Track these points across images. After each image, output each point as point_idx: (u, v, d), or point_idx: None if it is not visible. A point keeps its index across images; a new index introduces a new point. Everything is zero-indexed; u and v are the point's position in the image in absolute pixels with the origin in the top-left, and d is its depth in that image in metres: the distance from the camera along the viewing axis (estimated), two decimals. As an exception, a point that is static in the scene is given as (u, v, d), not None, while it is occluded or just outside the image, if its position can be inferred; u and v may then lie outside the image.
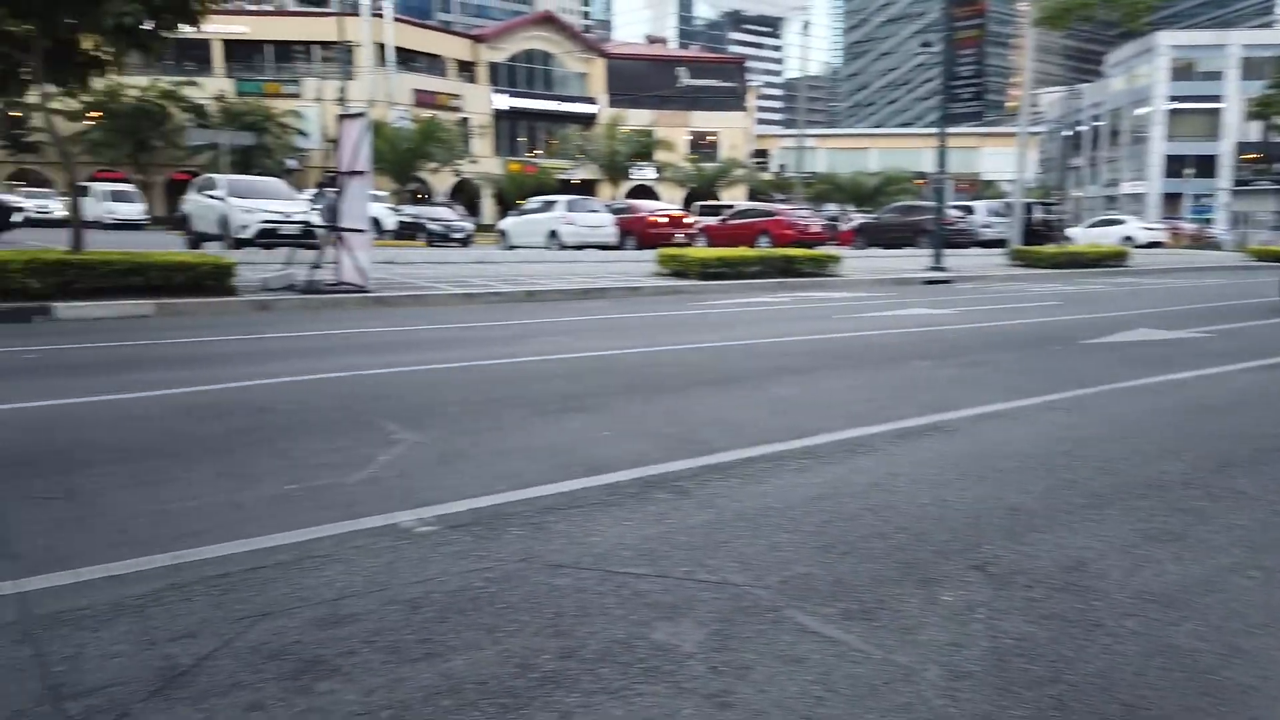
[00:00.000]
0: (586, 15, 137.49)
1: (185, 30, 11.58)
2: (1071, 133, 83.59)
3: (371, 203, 14.53)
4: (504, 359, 7.75)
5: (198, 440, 4.75)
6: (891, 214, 34.23)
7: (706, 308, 12.64)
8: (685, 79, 66.83)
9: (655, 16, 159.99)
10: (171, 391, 5.98)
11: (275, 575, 3.00)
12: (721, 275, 16.12)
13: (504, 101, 61.12)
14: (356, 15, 51.39)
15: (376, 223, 24.37)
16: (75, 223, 12.14)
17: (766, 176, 65.94)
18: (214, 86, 50.51)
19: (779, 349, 8.64)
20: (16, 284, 9.74)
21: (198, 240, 21.37)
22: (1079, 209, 70.98)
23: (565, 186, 49.26)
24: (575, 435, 4.98)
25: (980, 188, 65.22)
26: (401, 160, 44.71)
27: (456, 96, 58.38)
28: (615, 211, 28.77)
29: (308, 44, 54.55)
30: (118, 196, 37.82)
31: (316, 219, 13.83)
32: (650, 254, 19.35)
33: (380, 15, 53.74)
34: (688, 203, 46.58)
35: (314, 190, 23.44)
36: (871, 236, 32.77)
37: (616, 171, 55.58)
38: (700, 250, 19.62)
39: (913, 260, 22.02)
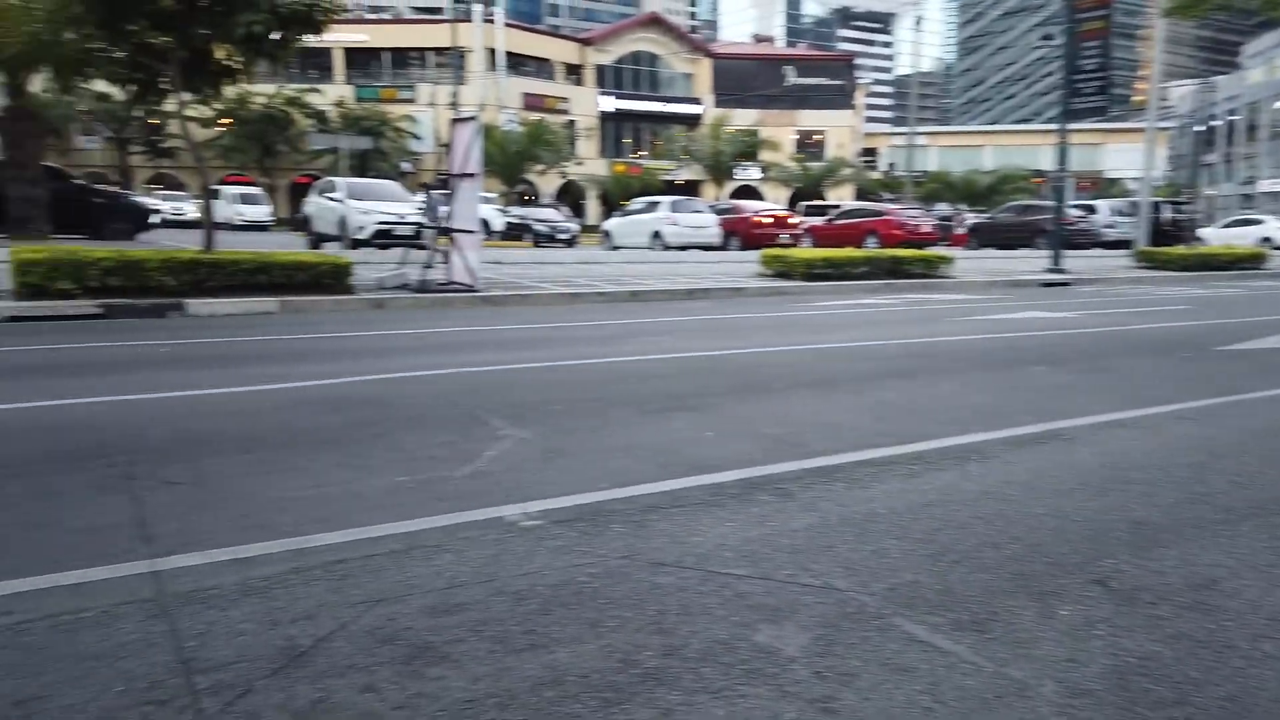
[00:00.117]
0: (693, 16, 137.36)
1: (309, 39, 12.10)
2: (1204, 128, 78.99)
3: (481, 204, 14.88)
4: (608, 358, 7.83)
5: (317, 431, 4.96)
6: (1007, 214, 33.09)
7: (811, 309, 12.47)
8: (792, 78, 66.12)
9: (762, 15, 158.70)
10: (294, 385, 6.26)
11: (388, 563, 3.10)
12: (826, 276, 15.88)
13: (609, 103, 61.70)
14: (469, 21, 52.73)
15: (485, 224, 24.95)
16: (207, 224, 12.83)
17: (875, 176, 64.63)
18: (334, 93, 52.65)
19: (885, 352, 8.46)
20: (154, 281, 10.36)
21: (318, 241, 22.28)
22: (1212, 208, 67.03)
23: (669, 187, 49.38)
24: (678, 435, 4.99)
25: (1103, 186, 62.40)
26: (510, 163, 45.65)
27: (564, 99, 59.25)
28: (719, 212, 28.68)
29: (422, 51, 56.28)
30: (246, 199, 39.82)
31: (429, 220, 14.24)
32: (754, 255, 19.22)
33: (491, 21, 55.01)
34: (793, 203, 46.08)
35: (443, 192, 24.17)
36: (986, 237, 31.74)
37: (721, 172, 55.41)
38: (805, 251, 19.38)
39: (1029, 262, 21.23)
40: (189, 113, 12.62)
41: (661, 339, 9.09)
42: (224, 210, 35.08)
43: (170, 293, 10.40)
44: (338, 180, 23.29)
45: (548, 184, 54.45)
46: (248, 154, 49.71)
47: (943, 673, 2.39)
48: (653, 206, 27.76)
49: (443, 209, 13.72)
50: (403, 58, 56.97)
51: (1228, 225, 40.11)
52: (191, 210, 36.65)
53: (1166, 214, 28.60)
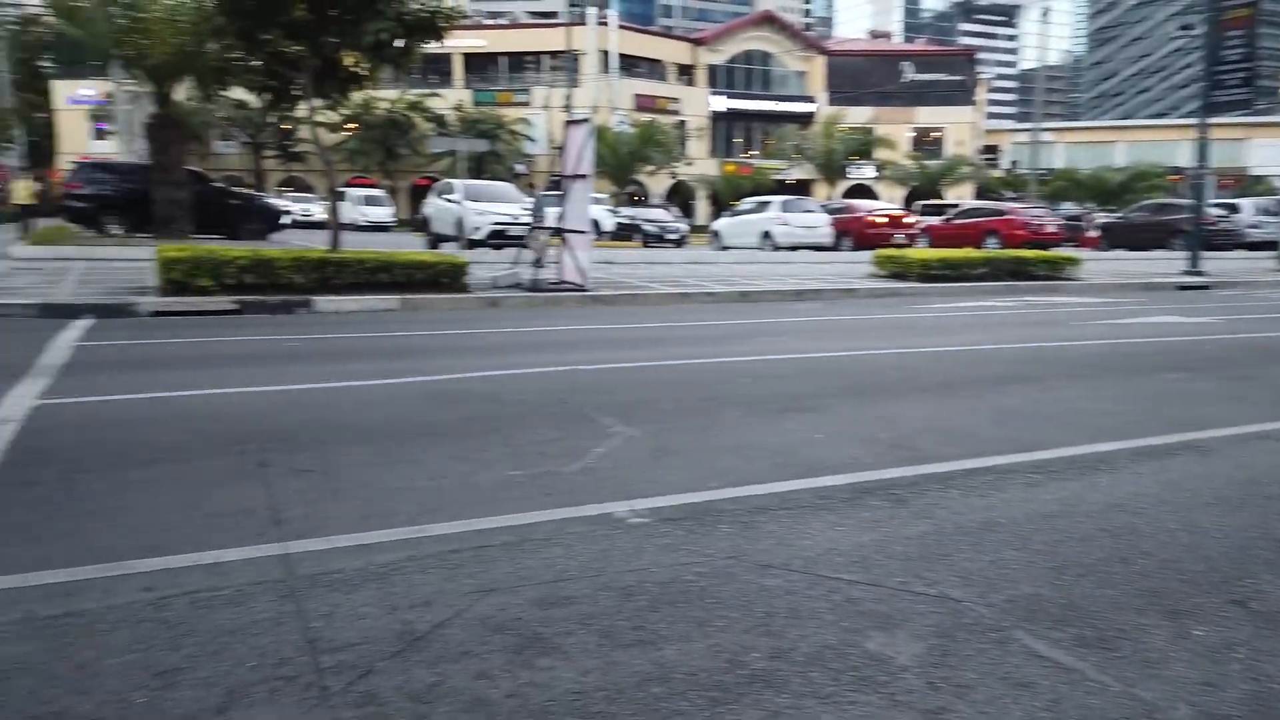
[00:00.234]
0: (807, 13, 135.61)
1: (431, 46, 12.51)
2: (1362, 120, 73.18)
3: (592, 205, 15.07)
4: (717, 358, 7.81)
5: (434, 425, 5.12)
6: (1141, 213, 31.43)
7: (926, 311, 12.15)
8: (910, 74, 64.48)
9: (879, 11, 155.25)
10: (413, 380, 6.48)
11: (500, 554, 3.18)
12: (944, 277, 15.43)
13: (721, 103, 61.49)
14: (583, 25, 53.44)
15: (596, 224, 25.25)
16: (333, 224, 13.41)
17: (996, 174, 62.39)
18: (453, 97, 54.20)
19: (1005, 355, 8.16)
20: (284, 279, 10.89)
21: (436, 241, 22.98)
22: (1370, 206, 61.95)
23: (780, 187, 48.87)
24: (788, 436, 4.94)
25: (1247, 184, 58.50)
26: (621, 163, 46.04)
27: (675, 100, 59.37)
28: (831, 211, 28.23)
29: (538, 54, 57.36)
30: (370, 200, 41.42)
31: (549, 220, 14.52)
32: (867, 255, 18.84)
33: (605, 24, 55.62)
34: (909, 202, 44.93)
35: (548, 193, 24.63)
36: (1117, 237, 30.22)
37: (833, 171, 54.49)
38: (921, 251, 18.87)
39: (1165, 264, 20.12)
40: (318, 118, 13.21)
41: (772, 339, 9.01)
42: (349, 212, 36.56)
43: (299, 290, 10.91)
44: (455, 182, 23.97)
45: (658, 184, 54.65)
46: (371, 157, 51.69)
47: (1065, 690, 2.29)
48: (763, 206, 27.53)
49: (548, 210, 13.96)
50: (519, 61, 58.20)
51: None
52: (319, 211, 38.33)
53: (1318, 213, 26.63)
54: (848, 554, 3.20)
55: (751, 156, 61.74)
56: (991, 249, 21.02)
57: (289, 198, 41.76)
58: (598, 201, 31.40)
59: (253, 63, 12.34)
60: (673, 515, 3.60)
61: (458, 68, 57.00)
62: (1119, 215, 35.13)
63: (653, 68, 59.85)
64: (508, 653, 2.47)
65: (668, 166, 50.03)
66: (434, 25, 11.94)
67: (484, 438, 4.82)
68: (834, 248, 25.93)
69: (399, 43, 11.78)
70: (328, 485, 3.94)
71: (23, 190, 25.99)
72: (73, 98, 49.48)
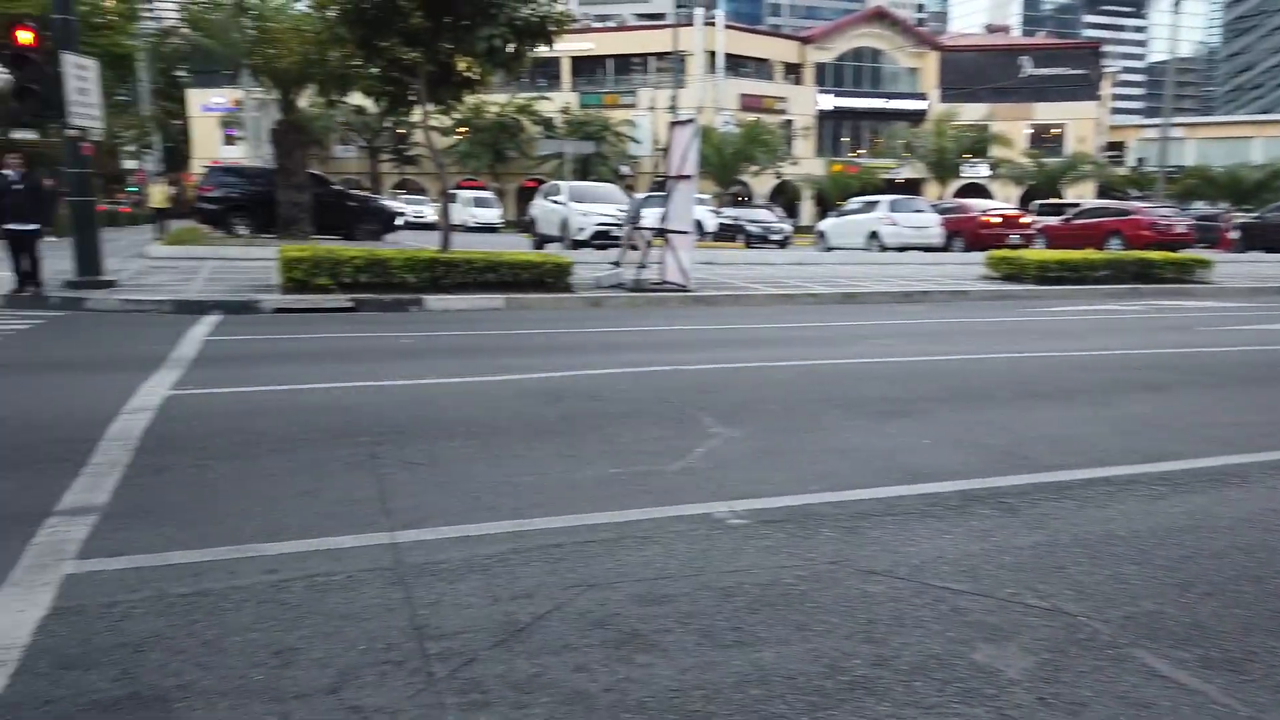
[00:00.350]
0: (920, 9, 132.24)
1: (541, 50, 12.73)
2: None
3: (695, 206, 15.05)
4: (821, 360, 7.70)
5: (538, 421, 5.21)
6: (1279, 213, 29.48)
7: (1042, 314, 11.69)
8: (1028, 68, 62.14)
9: (996, 4, 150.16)
10: (517, 377, 6.61)
11: (600, 550, 3.21)
12: (1062, 280, 14.82)
13: (828, 101, 60.58)
14: (690, 25, 53.48)
15: (699, 225, 25.22)
16: (445, 226, 13.79)
17: (1121, 172, 59.51)
18: (561, 100, 55.03)
19: (1126, 361, 7.79)
20: (397, 278, 11.27)
21: (542, 242, 23.36)
22: None
23: (889, 186, 47.81)
24: (893, 441, 4.83)
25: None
26: (725, 164, 45.88)
27: (782, 99, 58.78)
28: (942, 211, 27.44)
29: (644, 56, 57.69)
30: (479, 202, 42.44)
31: (649, 222, 14.60)
32: (979, 256, 18.25)
33: (713, 24, 55.52)
34: (1025, 201, 43.31)
35: (645, 194, 24.75)
36: (1256, 239, 28.41)
37: (945, 170, 52.96)
38: (1037, 252, 18.16)
39: (1305, 266, 18.84)
40: (432, 122, 13.59)
41: (877, 342, 8.83)
42: (459, 213, 37.54)
43: (411, 289, 11.26)
44: (561, 184, 24.32)
45: (762, 184, 54.24)
46: (481, 160, 52.97)
47: (1188, 713, 2.17)
48: (870, 206, 26.97)
49: (644, 210, 14.00)
50: (625, 64, 58.64)
51: None
52: (430, 213, 39.48)
53: None
54: (955, 563, 3.11)
55: (859, 155, 60.61)
56: (1115, 250, 20.07)
57: (402, 200, 43.14)
58: (700, 202, 31.37)
59: (371, 70, 12.81)
60: (773, 517, 3.56)
61: (565, 71, 57.83)
62: (1256, 215, 33.05)
63: (759, 67, 59.40)
64: (607, 647, 2.50)
65: (772, 166, 49.59)
66: (544, 30, 12.16)
67: (586, 435, 4.88)
68: (945, 249, 25.19)
69: (510, 48, 12.03)
70: (435, 478, 4.06)
71: (158, 193, 27.64)
72: (206, 105, 52.34)
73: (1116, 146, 68.39)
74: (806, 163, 56.88)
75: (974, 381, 6.78)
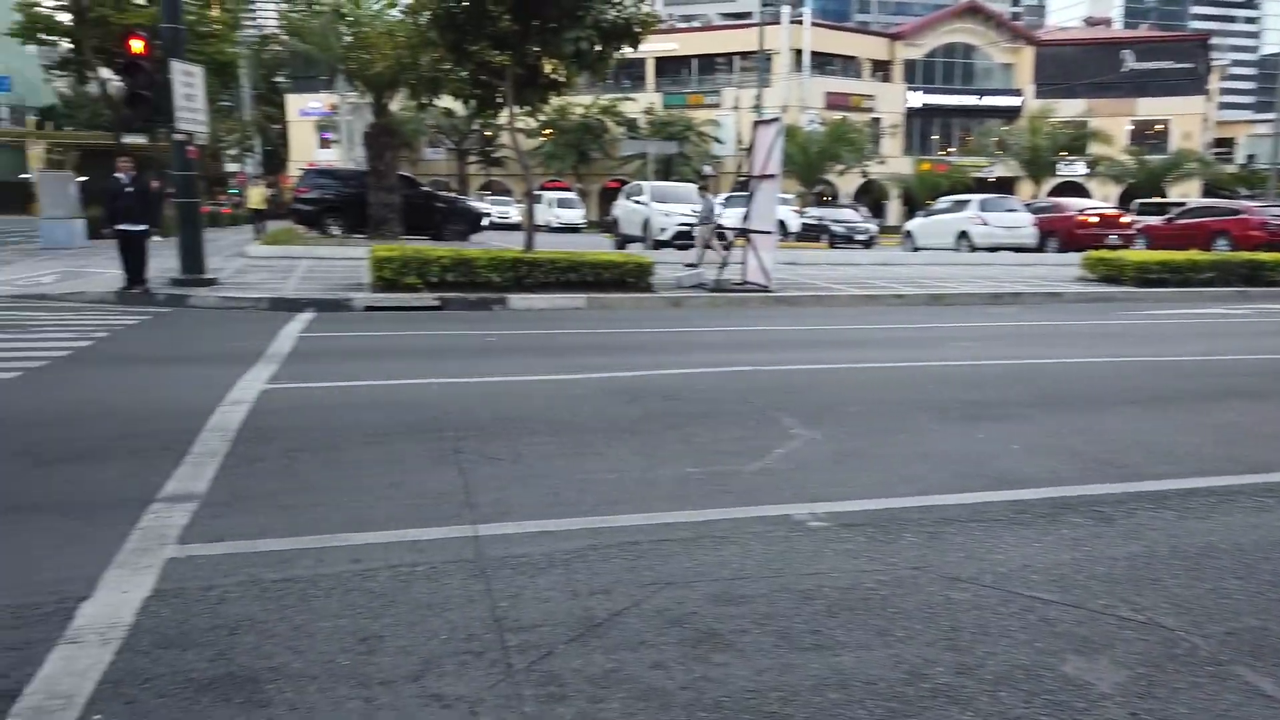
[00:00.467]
0: (1015, 2, 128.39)
1: (627, 51, 12.80)
2: None
3: (778, 205, 14.92)
4: (905, 362, 7.55)
5: (617, 419, 5.24)
6: (1404, 211, 27.67)
7: (1141, 318, 11.23)
8: (1130, 62, 59.77)
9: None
10: (598, 375, 6.65)
11: (678, 549, 3.21)
12: (1163, 282, 14.21)
13: (917, 99, 59.33)
14: (777, 24, 53.05)
15: (782, 225, 24.99)
16: (529, 226, 13.98)
17: (1229, 169, 56.72)
18: (644, 101, 55.21)
19: (1231, 368, 7.42)
20: (482, 278, 11.47)
21: (624, 242, 23.48)
22: None
23: (980, 185, 46.54)
24: (980, 445, 4.70)
25: None
26: (810, 163, 45.35)
27: (869, 97, 57.81)
28: (1036, 210, 26.58)
29: (729, 55, 57.46)
30: (563, 203, 42.91)
31: (731, 222, 14.54)
32: (1075, 257, 17.63)
33: (799, 22, 54.97)
34: (1125, 201, 41.67)
35: (726, 195, 24.68)
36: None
37: (1040, 168, 51.31)
38: (1138, 253, 17.44)
39: None
40: (518, 124, 13.79)
41: (964, 344, 8.62)
42: (543, 214, 37.99)
43: (495, 288, 11.45)
44: (643, 184, 24.40)
45: (847, 184, 53.45)
46: (565, 161, 53.53)
47: (1296, 738, 2.06)
48: (960, 205, 26.29)
49: (718, 209, 13.91)
50: (709, 63, 58.47)
51: None
52: (515, 214, 40.06)
53: None
54: (1045, 572, 3.02)
55: (949, 154, 59.20)
56: (1221, 251, 19.15)
57: (488, 201, 43.91)
58: (783, 202, 31.07)
59: (460, 73, 13.07)
60: (854, 521, 3.51)
61: (650, 72, 57.99)
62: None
63: (846, 65, 58.53)
64: (683, 646, 2.50)
65: (858, 165, 48.83)
66: (630, 31, 12.23)
67: (665, 434, 4.88)
68: (1038, 249, 24.42)
69: (596, 49, 12.13)
70: (516, 473, 4.12)
71: (256, 195, 28.72)
72: (303, 110, 54.15)
73: (1225, 143, 65.18)
74: (894, 161, 55.83)
75: (1067, 386, 6.55)
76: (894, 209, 55.32)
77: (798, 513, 3.59)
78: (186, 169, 11.80)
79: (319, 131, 53.28)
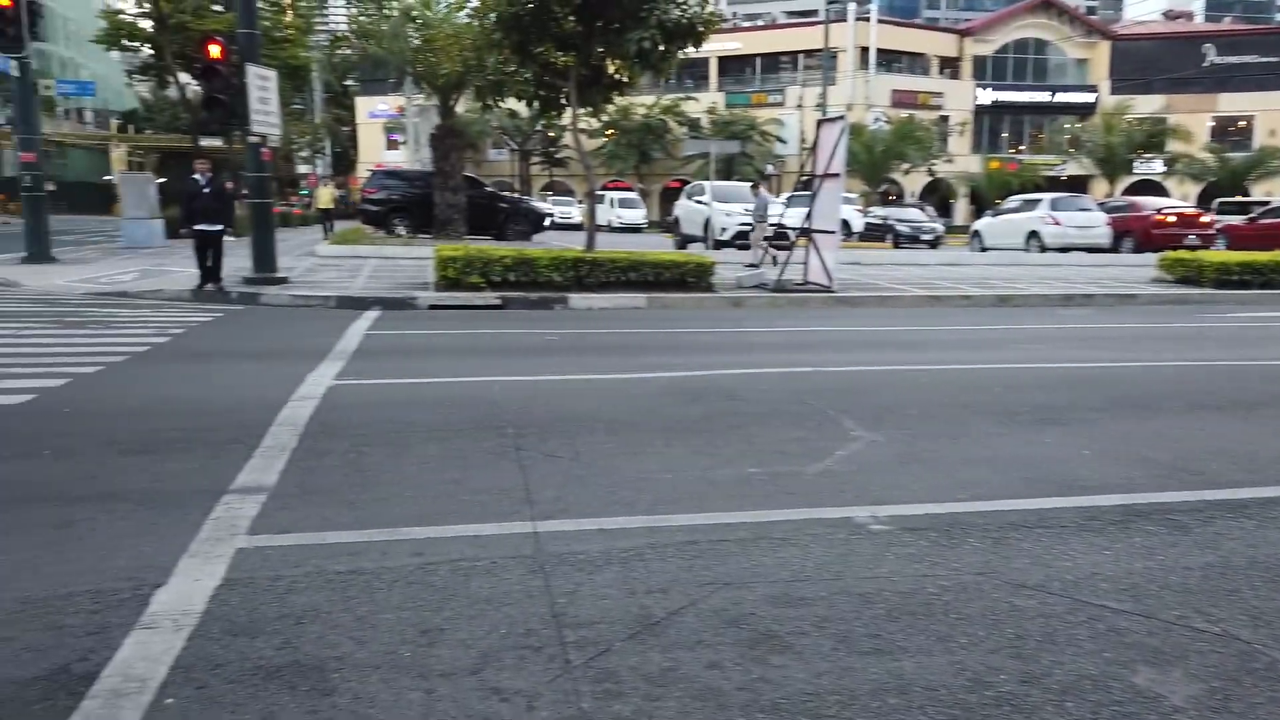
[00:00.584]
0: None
1: (690, 51, 12.79)
2: None
3: (842, 205, 14.74)
4: (971, 364, 7.40)
5: (677, 419, 5.24)
6: None
7: (1221, 320, 10.83)
8: (1212, 56, 57.70)
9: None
10: (657, 375, 6.66)
11: (736, 550, 3.20)
12: (1244, 284, 13.69)
13: (987, 96, 58.10)
14: (843, 21, 52.47)
15: (846, 225, 24.72)
16: (590, 226, 14.06)
17: (1319, 166, 54.32)
18: (707, 100, 55.07)
19: (1321, 373, 7.12)
20: (544, 277, 11.58)
21: (685, 242, 23.46)
22: None
23: (1051, 184, 45.39)
24: (1048, 450, 4.59)
25: None
26: (874, 162, 44.75)
27: (937, 94, 56.80)
28: (1110, 210, 25.82)
29: (794, 54, 57.01)
30: (624, 203, 43.06)
31: (794, 221, 14.41)
32: (1151, 258, 17.09)
33: (866, 19, 54.28)
34: (1204, 200, 40.25)
35: (789, 194, 24.46)
36: None
37: (1115, 166, 49.81)
38: (1219, 254, 16.82)
39: None
40: (581, 125, 13.88)
41: (1032, 347, 8.41)
42: (604, 214, 38.17)
43: (556, 288, 11.54)
44: (704, 184, 24.34)
45: (913, 183, 52.60)
46: (627, 161, 53.68)
47: (1384, 760, 1.97)
48: (1030, 205, 25.67)
49: (772, 209, 13.78)
50: (773, 62, 58.08)
51: None
52: (577, 214, 40.33)
53: None
54: (1115, 580, 2.93)
55: (1019, 152, 57.85)
56: (1308, 252, 18.36)
57: (550, 201, 44.26)
58: (847, 201, 30.68)
59: (525, 74, 13.21)
60: (916, 525, 3.46)
61: (713, 71, 57.83)
62: None
63: (914, 62, 57.62)
64: (740, 646, 2.49)
65: (925, 164, 48.02)
66: (694, 31, 12.22)
67: (724, 434, 4.87)
68: (1113, 249, 23.72)
69: (660, 49, 12.15)
70: (575, 471, 4.14)
71: (325, 195, 29.40)
72: (372, 112, 55.25)
73: (1313, 139, 62.47)
74: (962, 160, 54.76)
75: (1141, 390, 6.35)
76: (961, 208, 54.29)
77: (859, 515, 3.55)
78: (260, 170, 12.14)
79: (386, 133, 54.30)
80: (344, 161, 57.80)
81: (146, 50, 29.79)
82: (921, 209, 36.68)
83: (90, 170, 52.27)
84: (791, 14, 71.90)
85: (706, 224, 22.09)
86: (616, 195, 44.37)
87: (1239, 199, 35.89)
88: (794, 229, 14.09)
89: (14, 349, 7.33)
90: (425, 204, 22.14)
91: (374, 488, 3.87)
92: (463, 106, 23.95)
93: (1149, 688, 2.26)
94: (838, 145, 12.20)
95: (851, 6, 54.06)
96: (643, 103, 50.08)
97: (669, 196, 43.77)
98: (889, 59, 55.89)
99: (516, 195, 32.40)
